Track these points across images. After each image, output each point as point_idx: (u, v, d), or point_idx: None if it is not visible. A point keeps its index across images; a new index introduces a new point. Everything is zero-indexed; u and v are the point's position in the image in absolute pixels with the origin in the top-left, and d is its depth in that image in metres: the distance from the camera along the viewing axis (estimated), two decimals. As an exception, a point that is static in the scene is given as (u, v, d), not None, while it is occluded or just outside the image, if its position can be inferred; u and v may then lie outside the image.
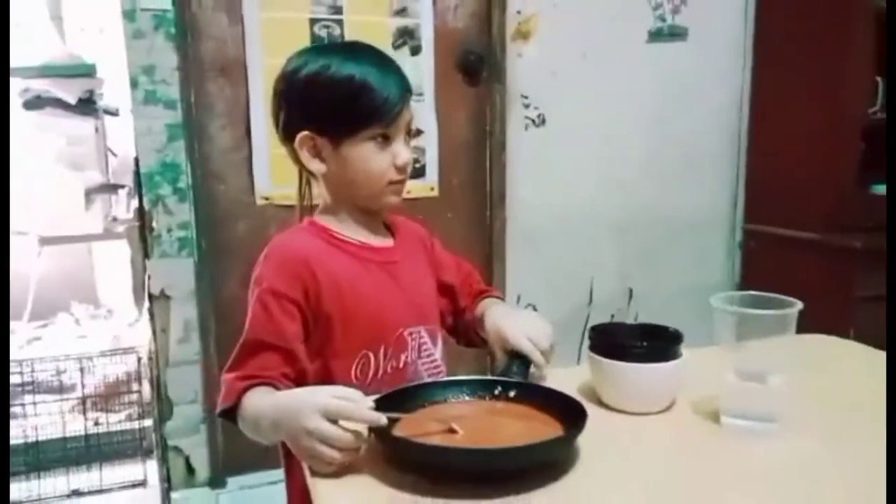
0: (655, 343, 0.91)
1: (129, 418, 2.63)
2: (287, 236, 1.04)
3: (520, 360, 0.98)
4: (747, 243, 2.47)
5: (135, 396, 2.58)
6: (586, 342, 0.96)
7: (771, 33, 2.37)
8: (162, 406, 1.96)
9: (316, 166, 1.03)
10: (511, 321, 1.05)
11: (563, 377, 1.00)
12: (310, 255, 0.99)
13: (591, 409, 0.84)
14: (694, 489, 0.75)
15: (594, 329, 0.94)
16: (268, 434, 0.83)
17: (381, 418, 0.74)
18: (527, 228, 2.22)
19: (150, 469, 2.37)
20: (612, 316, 2.33)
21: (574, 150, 2.25)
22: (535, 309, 2.23)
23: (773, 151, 2.37)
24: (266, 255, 1.00)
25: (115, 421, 2.60)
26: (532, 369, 0.98)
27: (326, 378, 0.98)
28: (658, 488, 0.75)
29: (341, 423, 0.75)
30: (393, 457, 0.75)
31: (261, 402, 0.87)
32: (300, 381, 0.96)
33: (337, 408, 0.75)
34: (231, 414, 0.91)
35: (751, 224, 2.45)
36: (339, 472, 0.74)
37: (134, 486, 2.37)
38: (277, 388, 0.91)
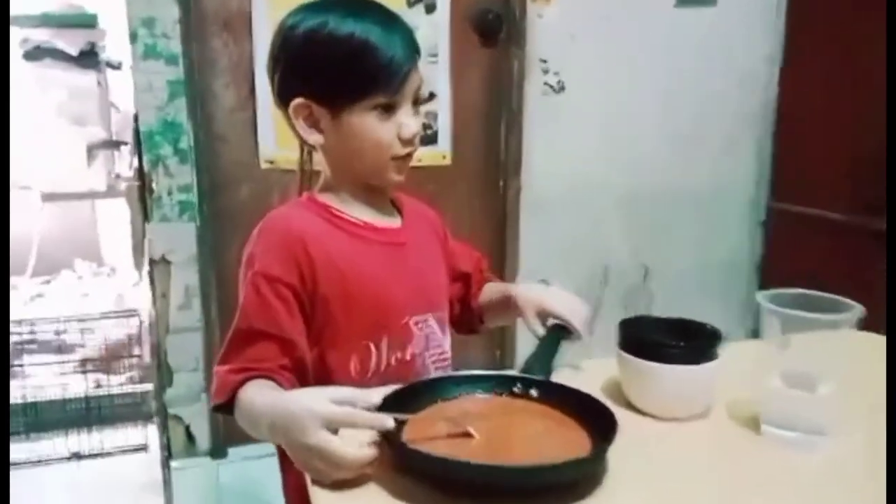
0: (692, 341, 0.83)
1: (131, 381, 2.59)
2: (282, 213, 0.95)
3: (560, 330, 0.94)
4: (770, 221, 2.37)
5: (136, 360, 2.54)
6: (601, 324, 0.89)
7: (804, 1, 2.24)
8: (162, 373, 1.90)
9: (313, 138, 0.93)
10: (550, 293, 1.01)
11: (587, 372, 0.93)
12: (306, 234, 0.90)
13: (619, 411, 0.77)
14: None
15: (624, 323, 0.86)
16: (266, 436, 0.76)
17: (387, 421, 0.67)
18: (541, 200, 2.12)
19: (151, 434, 2.34)
20: (627, 297, 2.25)
21: (594, 119, 2.14)
22: (547, 285, 2.15)
23: (803, 126, 2.26)
24: (259, 233, 0.92)
25: (116, 384, 2.57)
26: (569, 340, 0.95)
27: (322, 371, 0.91)
28: (689, 499, 0.68)
29: (344, 431, 0.68)
30: (402, 465, 0.68)
31: (256, 400, 0.79)
32: (300, 372, 0.88)
33: (338, 416, 0.67)
34: (228, 406, 0.84)
35: (775, 202, 2.35)
36: (344, 481, 0.67)
37: (135, 450, 2.34)
38: (276, 382, 0.84)
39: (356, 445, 0.67)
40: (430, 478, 0.66)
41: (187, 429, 1.93)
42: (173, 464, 1.94)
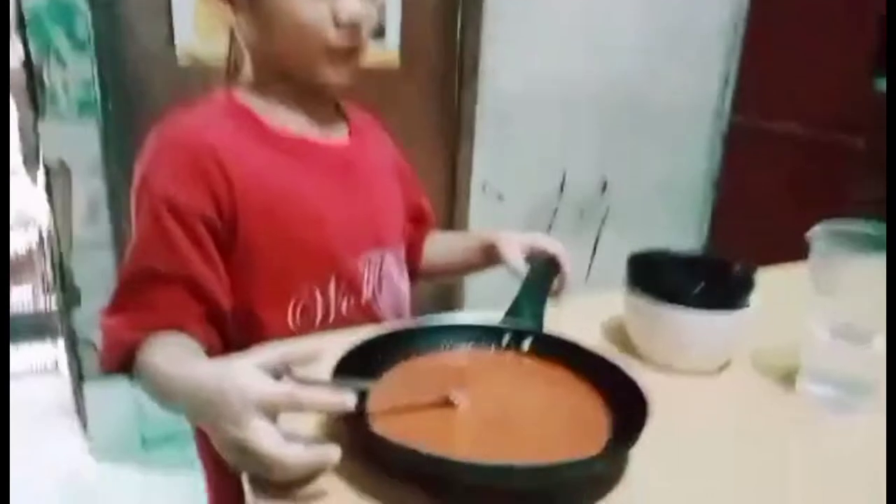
0: (716, 280, 0.68)
1: (35, 298, 2.34)
2: (188, 119, 0.72)
3: (548, 267, 0.79)
4: (734, 136, 2.25)
5: (39, 276, 2.27)
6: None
7: None
8: (67, 293, 1.67)
9: (226, 17, 0.72)
10: (528, 233, 0.85)
11: (579, 312, 0.78)
12: (221, 148, 0.69)
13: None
14: (763, 477, 0.55)
15: (636, 258, 0.70)
16: (182, 416, 0.58)
17: (346, 401, 0.48)
18: (498, 107, 1.93)
19: (62, 353, 2.12)
20: (583, 212, 2.12)
21: (561, 21, 1.93)
22: (501, 198, 1.99)
23: (775, 34, 2.11)
24: (156, 145, 0.70)
25: (17, 300, 2.31)
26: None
27: (251, 324, 0.71)
28: (714, 475, 0.55)
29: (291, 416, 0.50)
30: (369, 454, 0.52)
31: (164, 367, 0.60)
32: (220, 325, 0.70)
33: (276, 398, 0.48)
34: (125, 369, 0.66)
35: (741, 115, 2.22)
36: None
37: (44, 371, 2.12)
38: (189, 337, 0.65)
39: (301, 445, 0.48)
40: (408, 473, 0.49)
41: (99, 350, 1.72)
42: (87, 386, 1.75)
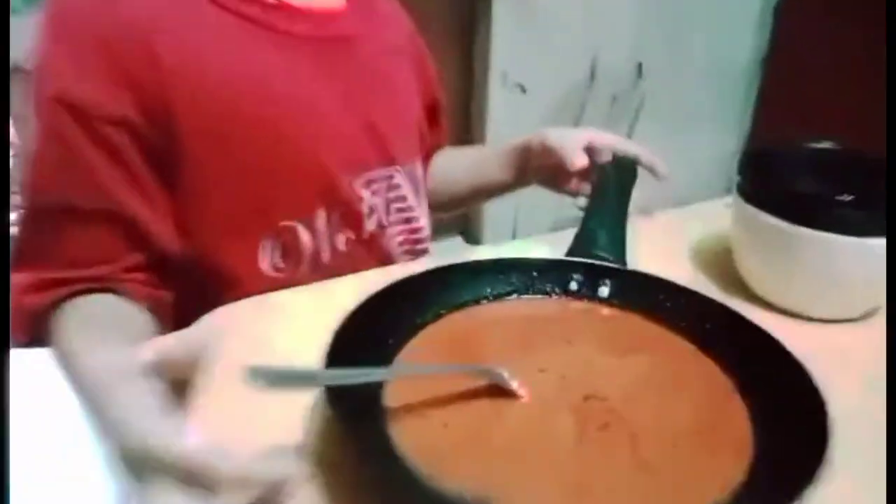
0: (863, 187, 0.48)
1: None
2: None
3: (626, 169, 0.58)
4: (785, 7, 1.96)
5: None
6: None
7: None
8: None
9: None
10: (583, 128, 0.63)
11: (652, 231, 0.59)
12: (143, 11, 0.48)
13: (732, 303, 0.44)
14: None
15: (751, 155, 0.50)
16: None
17: (286, 476, 0.30)
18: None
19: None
20: (615, 99, 1.88)
21: None
22: (523, 90, 1.76)
23: None
24: (49, 19, 0.49)
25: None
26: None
27: (214, 276, 0.52)
28: (865, 445, 0.37)
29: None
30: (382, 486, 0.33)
31: (76, 354, 0.42)
32: (166, 277, 0.51)
33: (184, 465, 0.30)
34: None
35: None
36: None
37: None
38: (119, 296, 0.48)
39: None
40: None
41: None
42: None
